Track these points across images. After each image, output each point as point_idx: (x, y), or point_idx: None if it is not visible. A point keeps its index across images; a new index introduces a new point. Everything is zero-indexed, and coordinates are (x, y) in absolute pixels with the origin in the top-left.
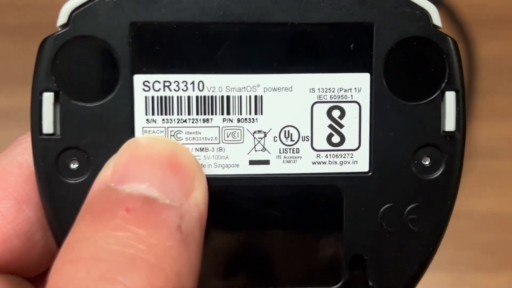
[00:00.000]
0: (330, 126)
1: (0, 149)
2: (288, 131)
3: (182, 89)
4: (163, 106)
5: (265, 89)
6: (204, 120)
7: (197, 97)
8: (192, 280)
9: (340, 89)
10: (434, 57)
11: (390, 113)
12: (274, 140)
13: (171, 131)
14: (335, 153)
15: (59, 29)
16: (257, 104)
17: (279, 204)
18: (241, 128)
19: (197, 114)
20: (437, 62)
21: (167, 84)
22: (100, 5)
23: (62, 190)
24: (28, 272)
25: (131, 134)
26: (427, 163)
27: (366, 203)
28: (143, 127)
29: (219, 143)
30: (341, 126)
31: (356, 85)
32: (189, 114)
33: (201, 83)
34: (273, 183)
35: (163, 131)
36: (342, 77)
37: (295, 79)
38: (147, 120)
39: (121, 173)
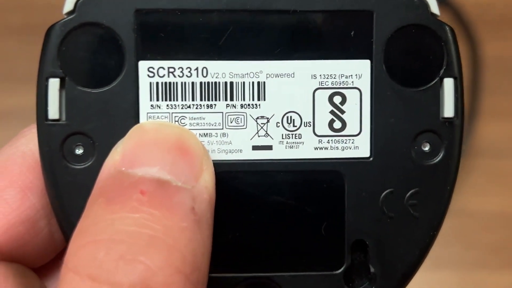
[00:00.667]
0: (332, 112)
1: None
2: (291, 117)
3: (186, 75)
4: (167, 92)
5: (268, 76)
6: (208, 106)
7: (201, 83)
8: (206, 260)
9: (341, 76)
10: (433, 44)
11: (390, 99)
12: (276, 126)
13: (175, 116)
14: (337, 138)
15: (65, 16)
16: (260, 90)
17: (281, 189)
18: (244, 114)
19: (201, 100)
20: (436, 49)
21: (171, 70)
22: None
23: (67, 176)
24: (32, 261)
25: (136, 119)
26: (426, 148)
27: (367, 188)
28: (147, 113)
29: (222, 128)
30: (343, 112)
31: (357, 72)
32: (193, 100)
33: (205, 69)
34: (275, 168)
35: (167, 117)
36: (343, 63)
37: (297, 66)
38: (151, 105)
39: (131, 157)
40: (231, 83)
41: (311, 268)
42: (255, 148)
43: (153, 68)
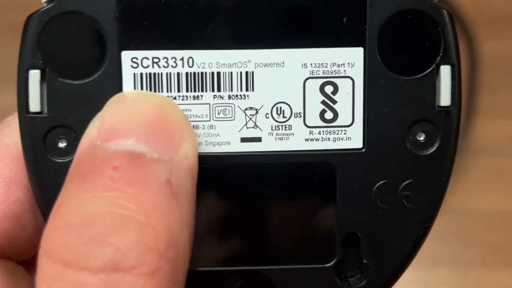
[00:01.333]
0: (323, 102)
1: None
2: (280, 108)
3: (172, 66)
4: (152, 83)
5: (256, 65)
6: (194, 97)
7: (186, 73)
8: (186, 235)
9: (333, 64)
10: (429, 30)
11: (384, 88)
12: (266, 117)
13: None
14: (328, 129)
15: (45, 5)
16: (248, 80)
17: (271, 182)
18: (232, 105)
19: (187, 91)
20: (432, 36)
21: (156, 60)
22: None
23: (50, 170)
24: (19, 255)
25: None
26: (421, 138)
27: (359, 180)
28: None
29: (209, 120)
30: (334, 102)
31: (349, 60)
32: (178, 91)
33: (190, 59)
34: (265, 160)
35: None
36: (335, 51)
37: (287, 54)
38: None
39: (107, 130)
40: (218, 73)
41: (302, 261)
42: (243, 140)
43: (137, 59)
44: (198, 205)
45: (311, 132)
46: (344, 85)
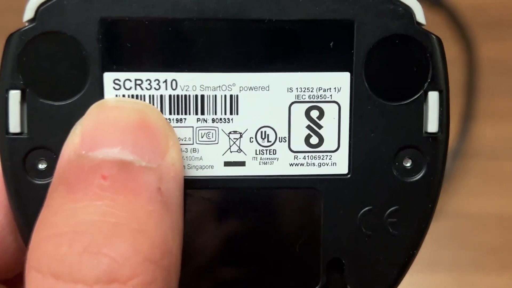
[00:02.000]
0: (308, 127)
1: None
2: (265, 132)
3: (155, 88)
4: None
5: (241, 88)
6: (177, 120)
7: (170, 96)
8: (177, 243)
9: (319, 89)
10: (417, 55)
11: (370, 114)
12: (250, 141)
13: None
14: (313, 154)
15: (26, 24)
16: (233, 104)
17: (255, 207)
18: (216, 129)
19: (170, 113)
20: (421, 61)
21: (138, 82)
22: None
23: (29, 191)
24: (2, 275)
25: None
26: (408, 165)
27: (344, 206)
28: None
29: (193, 143)
30: (320, 127)
31: (336, 85)
32: (162, 113)
33: (174, 82)
34: (249, 185)
35: None
36: (321, 76)
37: (272, 78)
38: None
39: (90, 139)
40: (202, 96)
41: (286, 285)
42: (227, 164)
43: (119, 80)
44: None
45: (296, 157)
46: (330, 110)
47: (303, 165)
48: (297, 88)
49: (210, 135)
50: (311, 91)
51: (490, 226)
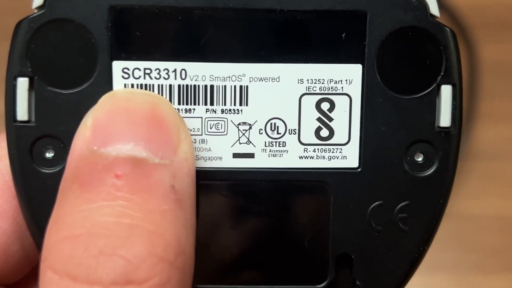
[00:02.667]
0: (319, 119)
1: None
2: (275, 124)
3: (164, 77)
4: None
5: (251, 79)
6: (186, 110)
7: (179, 86)
8: (191, 242)
9: (330, 81)
10: (431, 48)
11: (382, 107)
12: (259, 133)
13: None
14: (324, 147)
15: (35, 11)
16: (242, 95)
17: (263, 200)
18: (225, 120)
19: (179, 103)
20: (434, 54)
21: (147, 71)
22: None
23: (36, 180)
24: (6, 281)
25: None
26: (420, 159)
27: (354, 200)
28: None
29: (201, 134)
30: (330, 119)
31: (347, 77)
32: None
33: (183, 71)
34: (257, 177)
35: None
36: (333, 68)
37: (282, 69)
38: None
39: (102, 133)
40: (212, 86)
41: (294, 281)
42: (236, 155)
43: (128, 69)
44: None
45: (305, 150)
46: (341, 103)
47: (313, 158)
48: (307, 80)
49: (219, 126)
50: (322, 83)
51: (491, 228)
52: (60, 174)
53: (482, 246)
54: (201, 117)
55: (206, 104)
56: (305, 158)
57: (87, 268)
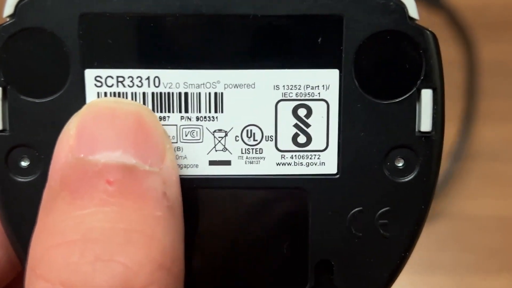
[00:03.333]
0: (296, 126)
1: None
2: (251, 131)
3: (137, 85)
4: None
5: (226, 86)
6: (160, 118)
7: (153, 93)
8: (182, 248)
9: (307, 86)
10: (410, 52)
11: (360, 112)
12: (235, 140)
13: None
14: (301, 154)
15: (7, 19)
16: (217, 102)
17: (241, 207)
18: (200, 127)
19: (153, 111)
20: (413, 58)
21: (120, 79)
22: None
23: (12, 189)
24: None
25: None
26: (400, 165)
27: (333, 206)
28: None
29: (177, 142)
30: (308, 125)
31: (324, 82)
32: None
33: (157, 79)
34: (234, 184)
35: None
36: (309, 73)
37: (258, 75)
38: None
39: (88, 141)
40: (186, 93)
41: (272, 287)
42: (212, 163)
43: (101, 77)
44: None
45: (283, 156)
46: (318, 108)
47: (290, 164)
48: (283, 86)
49: (195, 134)
50: (299, 89)
51: (490, 228)
52: (36, 182)
53: (481, 246)
54: (176, 125)
55: (180, 111)
56: (282, 164)
57: (83, 275)
